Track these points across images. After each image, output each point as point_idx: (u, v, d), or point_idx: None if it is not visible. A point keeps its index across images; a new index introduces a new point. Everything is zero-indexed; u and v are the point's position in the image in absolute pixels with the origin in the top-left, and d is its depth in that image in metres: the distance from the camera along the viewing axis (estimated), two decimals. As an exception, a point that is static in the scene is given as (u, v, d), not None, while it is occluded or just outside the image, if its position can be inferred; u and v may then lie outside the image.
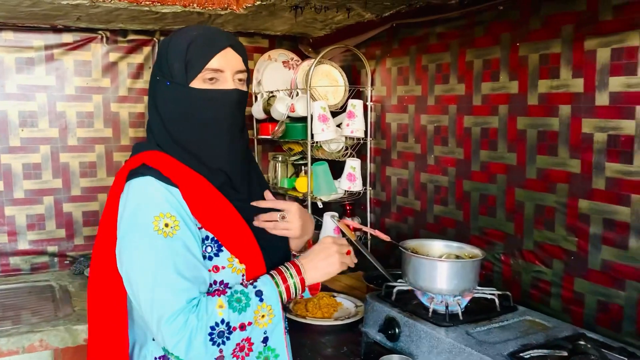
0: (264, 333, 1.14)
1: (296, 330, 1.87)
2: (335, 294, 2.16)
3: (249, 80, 1.28)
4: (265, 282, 1.17)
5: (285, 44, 2.92)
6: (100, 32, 2.56)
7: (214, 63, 1.17)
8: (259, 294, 1.14)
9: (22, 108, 2.46)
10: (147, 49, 2.66)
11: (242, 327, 1.10)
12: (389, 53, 2.38)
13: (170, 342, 1.05)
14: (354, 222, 1.85)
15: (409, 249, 1.64)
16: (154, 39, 2.66)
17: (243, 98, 1.24)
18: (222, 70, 1.18)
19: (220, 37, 1.20)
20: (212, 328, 1.06)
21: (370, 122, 2.50)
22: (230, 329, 1.08)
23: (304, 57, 2.86)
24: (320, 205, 2.46)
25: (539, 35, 1.71)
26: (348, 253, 1.30)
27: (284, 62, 2.85)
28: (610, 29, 1.51)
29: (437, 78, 2.12)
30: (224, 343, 1.08)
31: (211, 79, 1.17)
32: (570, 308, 1.67)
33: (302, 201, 2.84)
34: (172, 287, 1.06)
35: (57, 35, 2.49)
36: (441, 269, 1.54)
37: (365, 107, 2.47)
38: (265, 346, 1.16)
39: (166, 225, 1.11)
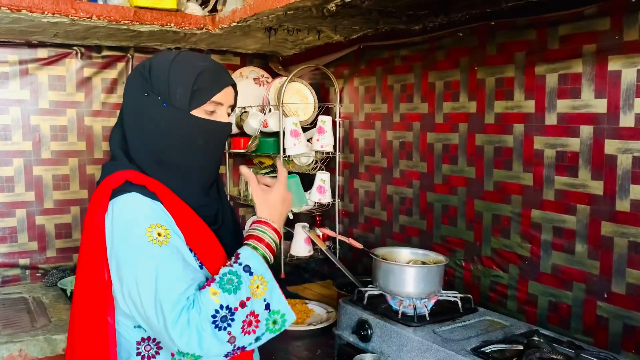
0: (264, 301, 1.15)
1: (272, 335, 1.97)
2: (307, 301, 2.27)
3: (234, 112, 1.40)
4: (248, 256, 1.19)
5: (255, 62, 3.03)
6: (74, 47, 2.60)
7: (218, 97, 1.25)
8: (247, 269, 1.16)
9: (-5, 121, 2.49)
10: (121, 65, 2.72)
11: (242, 304, 1.12)
12: (357, 73, 2.52)
13: (181, 343, 1.08)
14: (328, 230, 1.96)
15: (379, 256, 1.77)
16: (128, 55, 2.72)
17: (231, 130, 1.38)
18: (222, 104, 1.28)
19: (225, 73, 1.30)
20: (214, 316, 1.09)
21: (339, 137, 2.64)
22: (231, 311, 1.11)
23: (274, 75, 2.97)
24: (291, 216, 2.57)
25: (495, 61, 1.88)
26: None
27: (254, 79, 2.95)
28: (557, 56, 1.69)
29: (401, 97, 2.27)
30: (230, 325, 1.10)
31: (212, 111, 1.26)
32: (525, 308, 1.82)
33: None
34: (174, 291, 1.10)
35: (32, 50, 2.53)
36: (409, 274, 1.68)
37: (334, 123, 2.61)
38: (269, 312, 1.16)
39: (159, 234, 1.15)
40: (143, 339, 1.22)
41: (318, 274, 2.80)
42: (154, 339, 1.22)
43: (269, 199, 1.30)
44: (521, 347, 1.49)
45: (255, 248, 1.22)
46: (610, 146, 1.56)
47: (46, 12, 1.95)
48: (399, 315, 1.64)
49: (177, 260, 1.15)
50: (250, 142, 2.60)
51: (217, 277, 1.15)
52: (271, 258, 1.25)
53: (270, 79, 2.91)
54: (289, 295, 2.37)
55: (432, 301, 1.72)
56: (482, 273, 1.97)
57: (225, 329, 1.10)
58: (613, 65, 1.54)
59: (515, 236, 1.84)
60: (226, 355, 1.14)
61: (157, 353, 1.22)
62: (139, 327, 1.20)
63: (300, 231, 2.50)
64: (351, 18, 2.05)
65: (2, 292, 2.45)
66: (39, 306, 2.28)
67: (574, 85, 1.64)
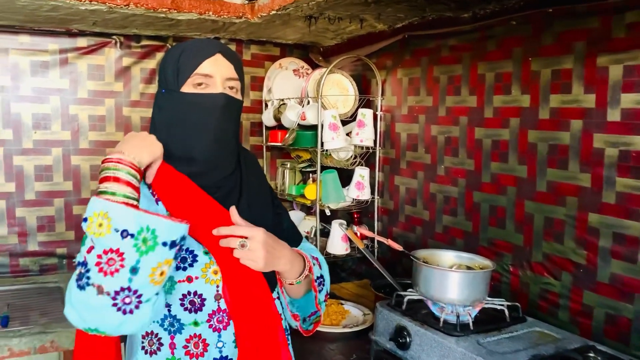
0: (116, 231, 0.97)
1: (305, 338, 1.89)
2: (343, 302, 2.18)
3: (243, 90, 1.28)
4: (88, 205, 1.02)
5: (295, 52, 2.95)
6: (114, 37, 2.58)
7: (203, 68, 1.18)
8: (84, 219, 1.00)
9: (35, 110, 2.49)
10: (160, 55, 2.69)
11: (89, 250, 0.98)
12: (400, 63, 2.41)
13: (73, 322, 1.01)
14: (366, 230, 1.87)
15: (420, 258, 1.67)
16: (167, 44, 2.68)
17: (232, 104, 1.22)
18: (212, 76, 1.19)
19: (210, 44, 1.22)
20: (76, 280, 0.99)
21: (380, 132, 2.53)
22: (83, 263, 0.98)
23: (314, 66, 2.88)
24: (328, 212, 2.48)
25: (551, 51, 1.74)
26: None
27: (294, 71, 2.88)
28: (623, 46, 1.53)
29: (448, 89, 2.15)
30: (88, 278, 0.97)
31: (200, 84, 1.19)
32: (578, 320, 1.68)
33: (309, 208, 2.87)
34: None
35: (72, 39, 2.52)
36: (453, 280, 1.56)
37: (375, 116, 2.50)
38: (131, 237, 0.97)
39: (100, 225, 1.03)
40: (147, 333, 1.19)
41: (355, 273, 2.70)
42: (156, 334, 1.18)
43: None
44: (576, 365, 1.36)
45: (98, 193, 1.03)
46: (683, 146, 1.40)
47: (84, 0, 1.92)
48: (441, 323, 1.53)
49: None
50: (287, 135, 2.52)
51: None
52: (120, 189, 1.02)
53: (310, 71, 2.83)
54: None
55: (477, 309, 1.61)
56: (531, 280, 1.83)
57: (87, 284, 0.96)
58: (688, 56, 1.39)
59: (570, 241, 1.70)
60: (122, 311, 0.97)
61: (159, 349, 1.18)
62: None
63: (337, 228, 2.41)
64: (396, 5, 1.94)
65: (40, 280, 2.46)
66: (73, 296, 2.27)
67: (642, 77, 1.49)
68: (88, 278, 0.96)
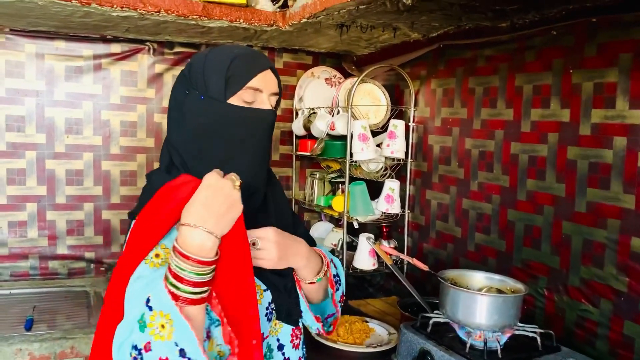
0: (176, 345, 0.91)
1: (326, 355, 1.83)
2: (368, 319, 2.11)
3: (279, 103, 1.24)
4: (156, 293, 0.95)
5: (328, 61, 2.90)
6: (147, 43, 2.60)
7: (254, 82, 1.13)
8: (147, 301, 0.94)
9: (68, 115, 2.51)
10: (192, 62, 2.68)
11: (147, 347, 0.91)
12: (435, 74, 2.33)
13: None
14: (391, 249, 1.80)
15: (448, 279, 1.58)
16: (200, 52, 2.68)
17: (275, 119, 1.20)
18: (261, 91, 1.15)
19: (261, 57, 1.18)
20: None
21: (412, 143, 2.45)
22: (139, 352, 0.92)
23: (346, 75, 2.83)
24: (356, 225, 2.42)
25: (594, 63, 1.63)
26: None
27: (326, 79, 2.83)
28: (674, 59, 1.43)
29: (484, 101, 2.06)
30: None
31: (250, 101, 1.14)
32: (618, 352, 1.57)
33: (337, 220, 2.81)
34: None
35: (106, 45, 2.54)
36: (481, 303, 1.48)
37: (407, 127, 2.42)
38: None
39: (156, 255, 1.04)
40: None
41: (383, 289, 2.63)
42: None
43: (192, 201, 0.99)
44: (613, 403, 1.26)
45: (166, 278, 0.95)
46: None
47: (115, 6, 1.92)
48: (467, 349, 1.45)
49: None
50: (316, 145, 2.47)
51: None
52: (187, 289, 0.94)
53: (343, 80, 2.78)
54: (349, 310, 2.21)
55: (507, 335, 1.51)
56: (567, 306, 1.72)
57: None
58: None
59: (610, 267, 1.59)
60: None
61: None
62: None
63: (365, 242, 2.34)
64: (430, 14, 1.87)
65: (67, 284, 2.48)
66: (98, 301, 2.27)
67: (694, 93, 1.38)
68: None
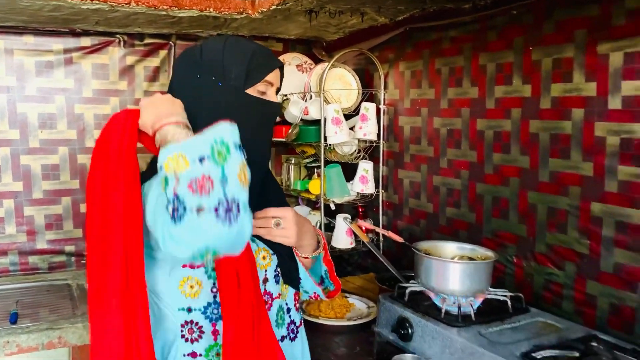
0: (193, 161, 0.99)
1: (309, 330, 1.88)
2: (347, 295, 2.18)
3: None
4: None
5: (298, 48, 2.95)
6: (117, 35, 2.60)
7: (270, 77, 1.27)
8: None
9: (41, 110, 2.51)
10: (163, 53, 2.70)
11: (175, 185, 0.99)
12: (402, 56, 2.40)
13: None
14: (368, 224, 1.87)
15: (422, 250, 1.66)
16: (170, 42, 2.70)
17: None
18: (272, 85, 1.28)
19: (274, 55, 1.33)
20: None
21: (383, 125, 2.52)
22: (174, 196, 0.98)
23: (317, 61, 2.88)
24: (332, 207, 2.48)
25: (552, 40, 1.72)
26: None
27: (297, 66, 2.88)
28: (623, 33, 1.52)
29: (450, 81, 2.14)
30: (179, 207, 0.97)
31: (263, 91, 1.27)
32: (582, 310, 1.67)
33: (314, 203, 2.87)
34: None
35: (76, 39, 2.54)
36: (454, 271, 1.56)
37: (378, 110, 2.49)
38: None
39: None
40: (186, 322, 1.21)
41: (361, 266, 2.71)
42: (197, 322, 1.21)
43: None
44: (577, 354, 1.35)
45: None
46: (685, 132, 1.39)
47: (85, -1, 1.93)
48: (442, 314, 1.53)
49: None
50: (290, 130, 2.52)
51: None
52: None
53: (314, 65, 2.83)
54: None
55: (479, 300, 1.60)
56: (535, 270, 1.82)
57: (185, 211, 0.97)
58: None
59: (573, 231, 1.69)
60: (228, 220, 0.97)
61: (200, 337, 1.21)
62: (183, 309, 1.20)
63: (342, 222, 2.41)
64: (395, -3, 1.93)
65: (48, 278, 2.49)
66: (81, 293, 2.30)
67: (643, 64, 1.47)
68: (184, 207, 0.96)
